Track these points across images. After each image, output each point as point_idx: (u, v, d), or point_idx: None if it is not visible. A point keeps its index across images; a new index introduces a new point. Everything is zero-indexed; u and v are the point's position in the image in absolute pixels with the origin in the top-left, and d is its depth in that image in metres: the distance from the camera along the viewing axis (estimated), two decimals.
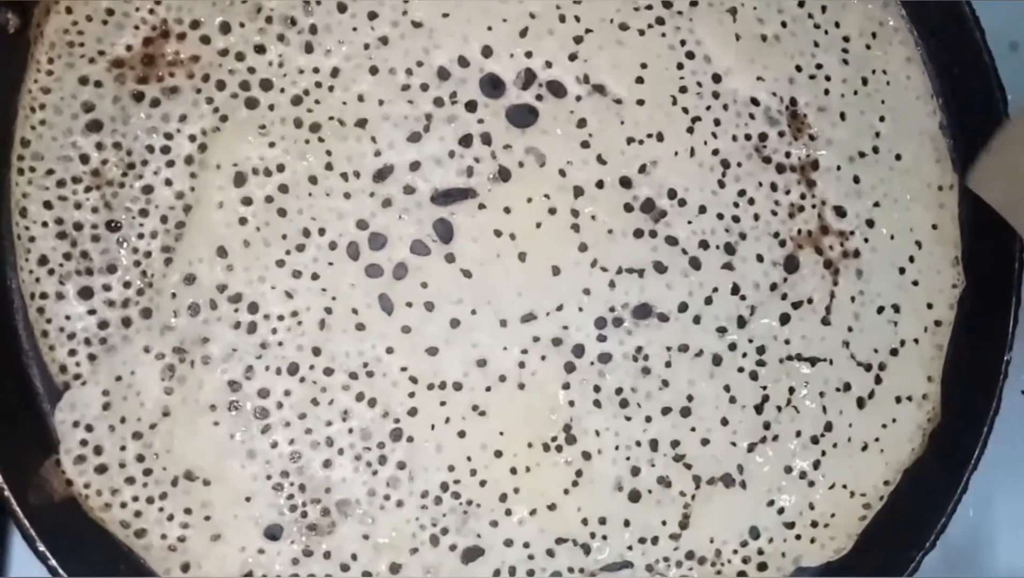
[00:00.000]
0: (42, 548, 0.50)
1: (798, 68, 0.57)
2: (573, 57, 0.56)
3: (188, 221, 0.53)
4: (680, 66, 0.57)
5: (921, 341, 0.58)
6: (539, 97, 0.56)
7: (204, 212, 0.53)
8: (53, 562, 0.50)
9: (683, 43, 0.57)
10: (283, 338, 0.53)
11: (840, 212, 0.58)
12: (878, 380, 0.58)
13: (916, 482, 0.58)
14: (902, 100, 0.59)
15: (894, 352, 0.58)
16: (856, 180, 0.58)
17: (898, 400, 0.58)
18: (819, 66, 0.58)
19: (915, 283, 0.58)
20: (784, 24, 0.57)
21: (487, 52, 0.56)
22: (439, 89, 0.55)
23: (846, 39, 0.58)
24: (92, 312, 0.52)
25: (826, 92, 0.57)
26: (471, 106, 0.55)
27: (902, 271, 0.58)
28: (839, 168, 0.58)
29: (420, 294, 0.53)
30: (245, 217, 0.53)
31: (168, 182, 0.53)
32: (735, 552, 0.57)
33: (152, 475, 0.53)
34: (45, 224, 0.53)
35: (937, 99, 0.59)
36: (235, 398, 0.52)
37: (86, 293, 0.53)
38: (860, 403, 0.57)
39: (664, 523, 0.56)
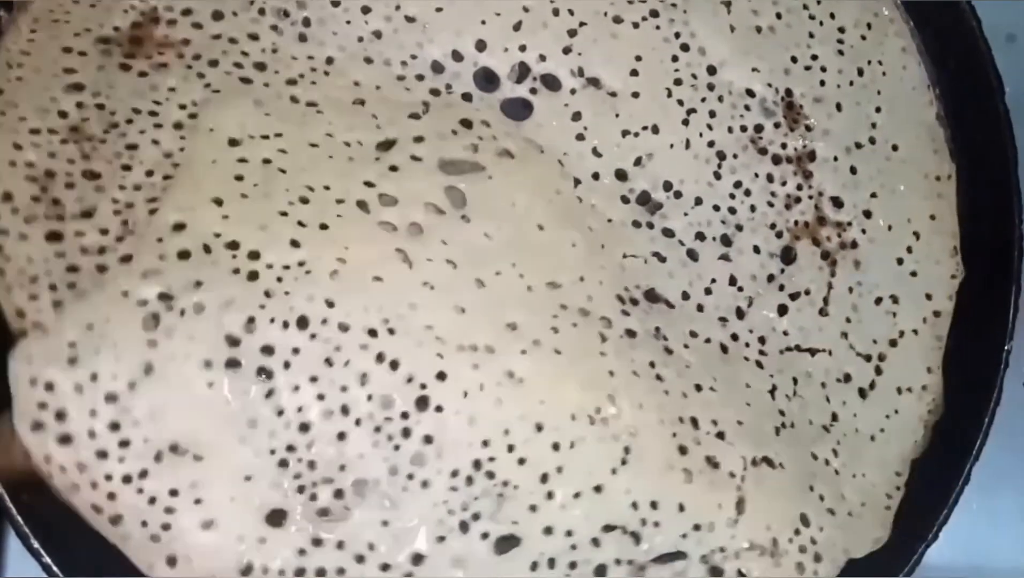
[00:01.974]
0: (36, 545, 0.46)
1: (793, 59, 0.60)
2: (567, 50, 0.59)
3: (177, 174, 0.50)
4: (675, 58, 0.59)
5: (920, 332, 0.59)
6: (533, 91, 0.58)
7: (196, 167, 0.51)
8: (47, 559, 0.46)
9: (677, 35, 0.59)
10: (290, 288, 0.49)
11: (837, 203, 0.59)
12: (878, 371, 0.58)
13: (918, 474, 0.59)
14: (898, 91, 0.61)
15: (893, 343, 0.59)
16: (853, 171, 0.60)
17: (899, 391, 0.58)
18: (814, 57, 0.61)
19: (913, 274, 0.60)
20: (779, 15, 0.61)
21: (481, 46, 0.58)
22: (434, 82, 0.57)
23: (841, 30, 0.61)
24: (61, 255, 0.47)
25: (822, 83, 0.60)
26: (466, 99, 0.58)
27: (900, 262, 0.59)
28: (836, 159, 0.60)
29: (441, 250, 0.52)
30: (241, 174, 0.51)
31: (155, 141, 0.52)
32: (790, 541, 0.54)
33: (130, 447, 0.46)
34: (13, 164, 0.49)
35: (934, 89, 0.62)
36: (233, 355, 0.47)
37: (55, 237, 0.49)
38: (862, 394, 0.57)
39: (720, 506, 0.52)
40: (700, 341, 0.56)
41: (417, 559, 0.48)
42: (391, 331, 0.50)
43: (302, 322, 0.49)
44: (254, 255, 0.49)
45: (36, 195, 0.49)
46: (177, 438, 0.46)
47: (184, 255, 0.49)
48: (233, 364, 0.47)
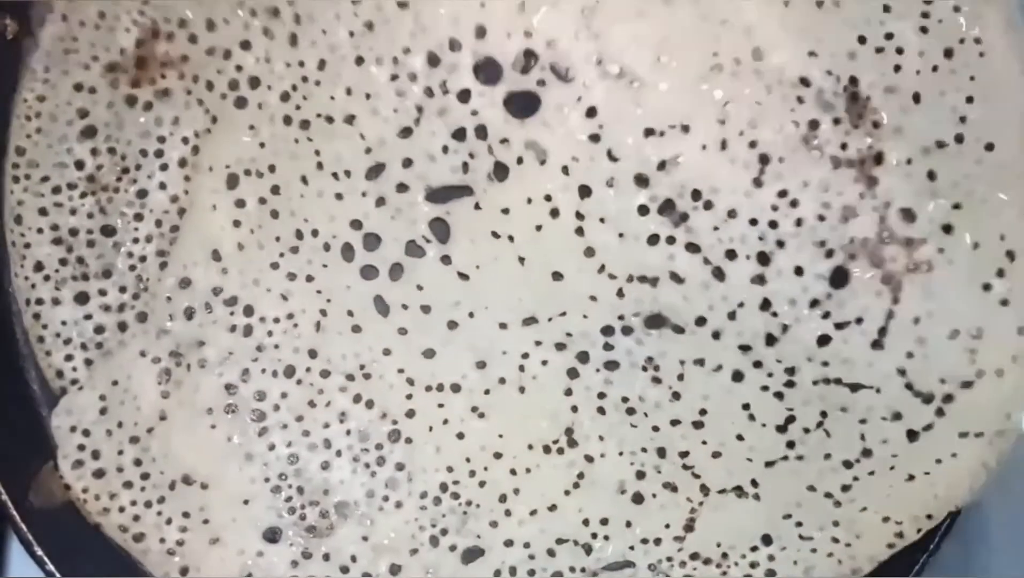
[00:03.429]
0: (39, 552, 0.56)
1: (861, 40, 0.52)
2: (581, 33, 0.53)
3: (182, 225, 0.58)
4: (713, 40, 0.52)
5: (1007, 372, 0.53)
6: (541, 82, 0.54)
7: (198, 215, 0.59)
8: (50, 566, 0.55)
9: (717, 11, 0.52)
10: (279, 341, 0.58)
11: (908, 216, 0.53)
12: (940, 412, 0.54)
13: None
14: (999, 76, 0.52)
15: (968, 384, 0.53)
16: (932, 176, 0.52)
17: (964, 435, 0.54)
18: (889, 36, 0.52)
19: (1004, 302, 0.53)
20: None
21: (480, 32, 0.54)
22: (429, 78, 0.56)
23: (927, 2, 0.52)
24: (88, 317, 0.58)
25: (896, 68, 0.52)
26: (464, 96, 0.55)
27: (987, 288, 0.53)
28: (909, 162, 0.52)
29: (416, 296, 0.59)
30: (239, 220, 0.58)
31: (162, 186, 0.59)
32: (743, 556, 0.60)
33: (150, 479, 0.59)
34: (40, 230, 0.58)
35: None
36: (232, 401, 0.58)
37: (82, 298, 0.59)
38: (912, 436, 0.55)
39: (667, 526, 0.60)
40: (705, 369, 0.56)
41: (394, 569, 0.58)
42: (367, 376, 0.59)
43: (289, 371, 0.59)
44: (248, 310, 0.59)
45: (63, 257, 0.59)
46: (187, 470, 0.59)
47: (189, 313, 0.59)
48: (231, 409, 0.59)
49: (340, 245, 0.59)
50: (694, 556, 0.60)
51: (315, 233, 0.59)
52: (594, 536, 0.60)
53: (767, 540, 0.59)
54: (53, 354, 0.59)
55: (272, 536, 0.58)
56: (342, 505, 0.59)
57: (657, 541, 0.60)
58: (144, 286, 0.59)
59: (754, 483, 0.58)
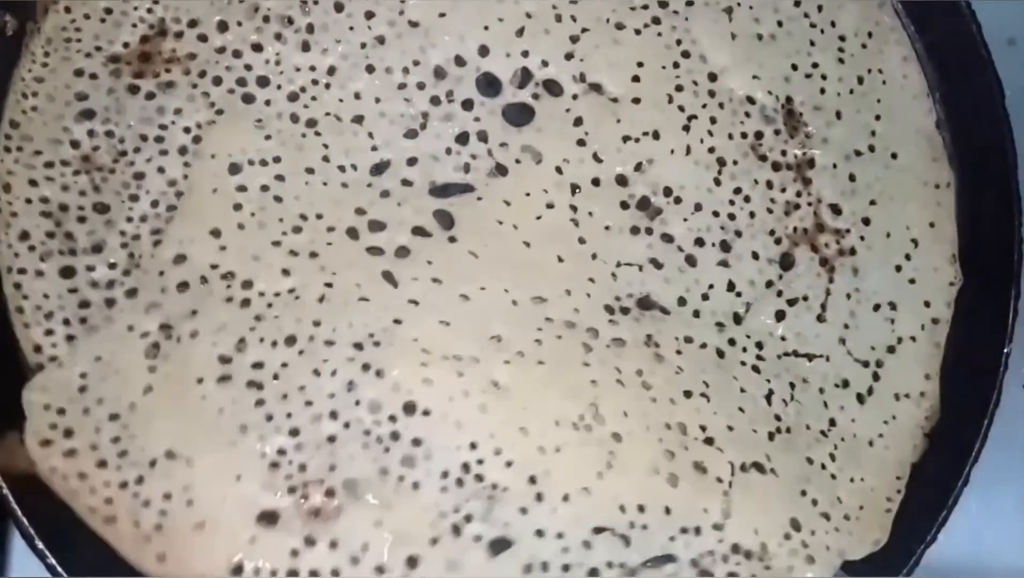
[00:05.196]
0: (41, 546, 0.51)
1: (794, 67, 0.64)
2: (569, 56, 0.62)
3: (180, 205, 0.58)
4: (676, 65, 0.63)
5: (919, 338, 0.63)
6: (535, 96, 0.62)
7: (197, 197, 0.59)
8: (52, 560, 0.51)
9: (679, 42, 0.63)
10: (279, 312, 0.56)
11: (836, 210, 0.63)
12: (876, 377, 0.62)
13: (917, 475, 0.61)
14: (898, 99, 0.65)
15: (891, 349, 0.62)
16: (852, 178, 0.64)
17: (897, 397, 0.62)
18: (815, 65, 0.65)
19: (912, 281, 0.63)
20: (780, 23, 0.65)
21: (483, 51, 0.62)
22: (435, 88, 0.62)
23: (842, 38, 0.65)
24: (73, 291, 0.56)
25: (822, 91, 0.64)
26: (467, 105, 0.61)
27: (898, 269, 0.63)
28: (835, 166, 0.64)
29: (426, 270, 0.58)
30: (240, 203, 0.58)
31: (160, 169, 0.59)
32: (779, 545, 0.57)
33: (127, 457, 0.54)
34: (29, 201, 0.58)
35: (934, 95, 0.66)
36: (225, 371, 0.55)
37: (68, 272, 0.57)
38: (860, 399, 0.61)
39: (706, 511, 0.57)
40: (695, 347, 0.59)
41: (412, 562, 0.53)
42: (376, 344, 0.56)
43: (290, 340, 0.56)
44: (247, 284, 0.57)
45: (51, 230, 0.57)
46: (171, 445, 0.53)
47: (183, 287, 0.56)
48: (224, 379, 0.54)
49: (345, 228, 0.58)
50: (735, 549, 0.57)
51: (319, 216, 0.59)
52: (631, 525, 0.55)
53: (796, 525, 0.58)
54: (32, 327, 0.55)
55: (268, 520, 0.52)
56: (351, 483, 0.53)
57: (698, 530, 0.56)
58: (136, 263, 0.56)
59: (768, 457, 0.58)
